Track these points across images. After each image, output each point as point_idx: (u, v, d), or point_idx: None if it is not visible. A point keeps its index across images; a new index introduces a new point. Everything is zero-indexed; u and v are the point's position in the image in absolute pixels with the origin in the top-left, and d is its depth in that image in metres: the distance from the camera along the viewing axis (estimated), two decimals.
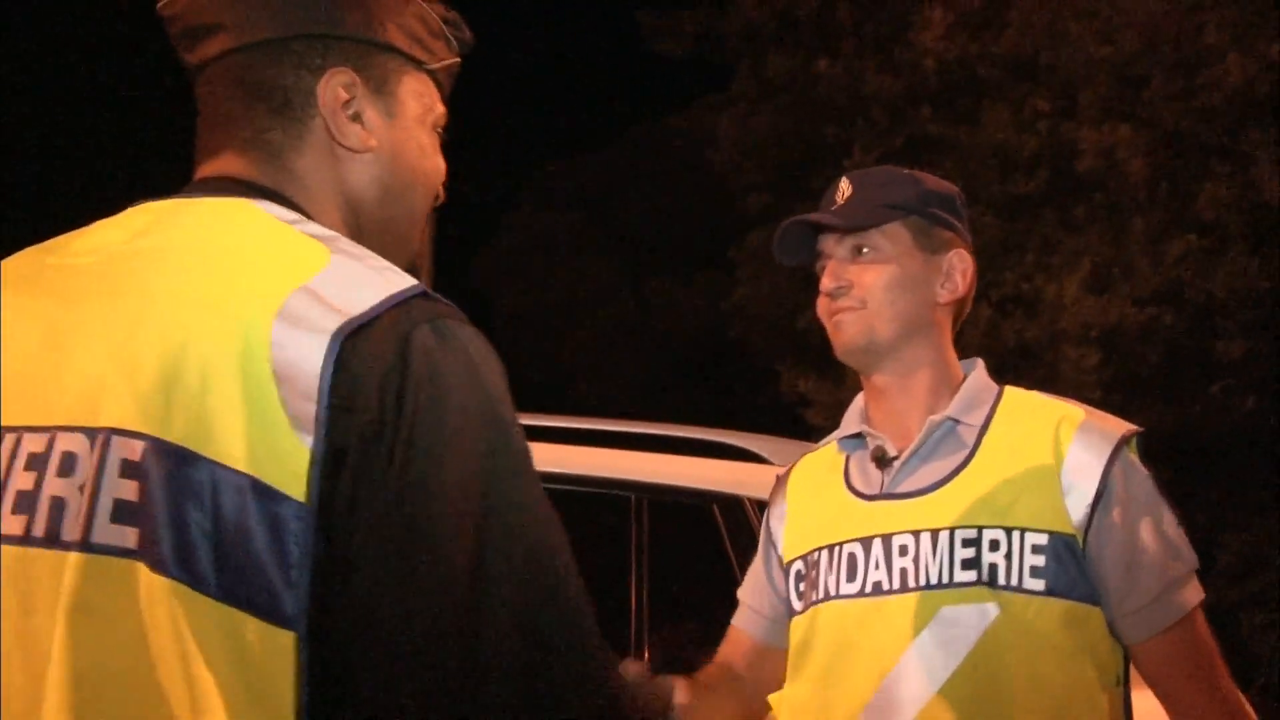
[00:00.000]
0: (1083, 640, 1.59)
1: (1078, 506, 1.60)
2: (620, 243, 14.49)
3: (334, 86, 1.10)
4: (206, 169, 1.12)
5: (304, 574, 0.89)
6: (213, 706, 0.89)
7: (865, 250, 1.71)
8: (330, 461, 0.90)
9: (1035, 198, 8.68)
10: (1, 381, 1.00)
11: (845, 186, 1.76)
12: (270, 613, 0.89)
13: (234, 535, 0.90)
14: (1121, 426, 1.66)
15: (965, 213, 1.80)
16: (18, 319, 1.03)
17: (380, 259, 1.01)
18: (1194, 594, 1.63)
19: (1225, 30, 7.99)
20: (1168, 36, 8.30)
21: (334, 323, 0.92)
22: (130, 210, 1.10)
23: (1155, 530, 1.61)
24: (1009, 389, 1.76)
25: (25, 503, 0.95)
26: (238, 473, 0.90)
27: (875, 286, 1.70)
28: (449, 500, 0.92)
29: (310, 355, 0.91)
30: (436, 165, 1.19)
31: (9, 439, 0.98)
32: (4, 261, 1.10)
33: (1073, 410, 1.68)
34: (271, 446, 0.90)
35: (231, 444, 0.91)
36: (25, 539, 0.94)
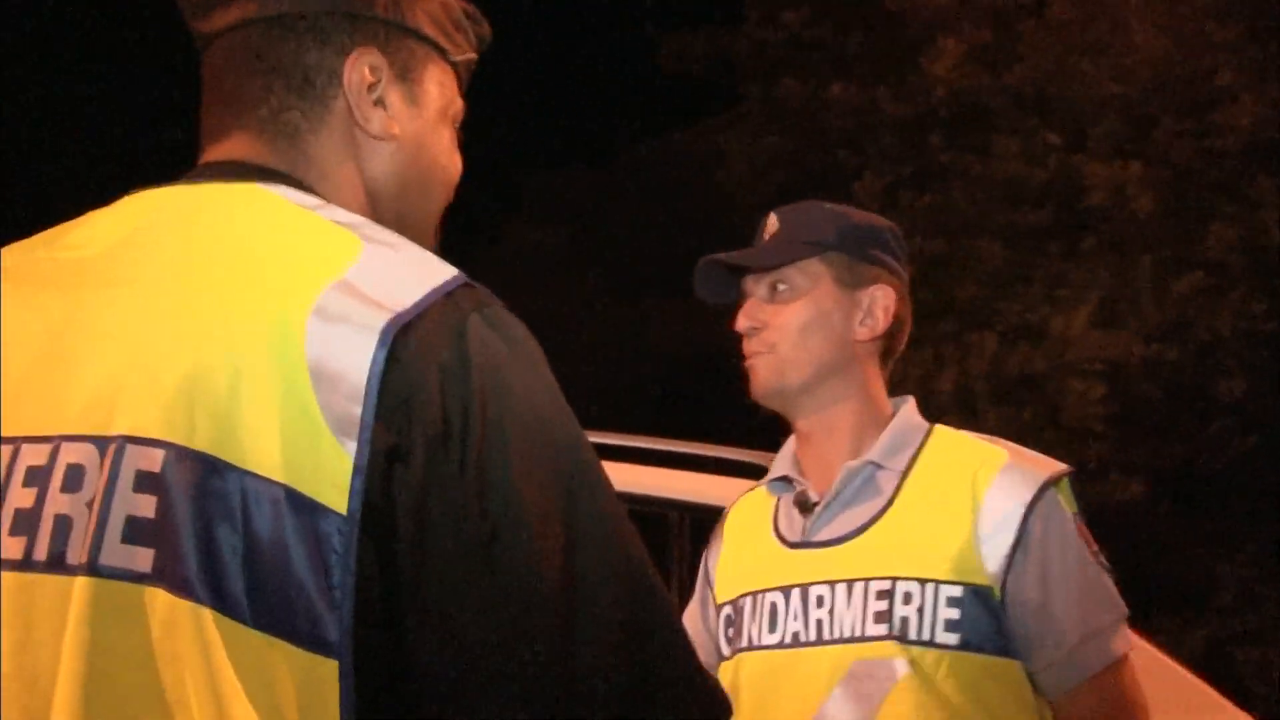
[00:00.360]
0: (1002, 695, 1.56)
1: (994, 555, 1.56)
2: (619, 259, 14.50)
3: (360, 67, 1.03)
4: (214, 152, 1.04)
5: (347, 594, 0.81)
6: None
7: (781, 288, 1.68)
8: (378, 468, 0.83)
9: (1043, 230, 8.73)
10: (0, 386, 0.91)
11: (772, 223, 1.73)
12: (311, 640, 0.81)
13: (269, 553, 0.82)
14: (1047, 469, 1.62)
15: (899, 247, 1.76)
16: (15, 316, 0.94)
17: (413, 244, 0.95)
18: (1119, 644, 1.58)
19: (1238, 73, 8.07)
20: (1180, 76, 8.38)
21: (380, 319, 0.85)
22: (127, 199, 1.02)
23: (1076, 578, 1.57)
24: (939, 429, 1.71)
25: (25, 523, 0.86)
26: (272, 483, 0.82)
27: (787, 327, 1.67)
28: (533, 500, 0.85)
29: (355, 355, 0.84)
30: (456, 161, 1.13)
31: (4, 451, 0.89)
32: None
33: (997, 453, 1.64)
34: (309, 454, 0.83)
35: (264, 452, 0.83)
36: (25, 563, 0.85)
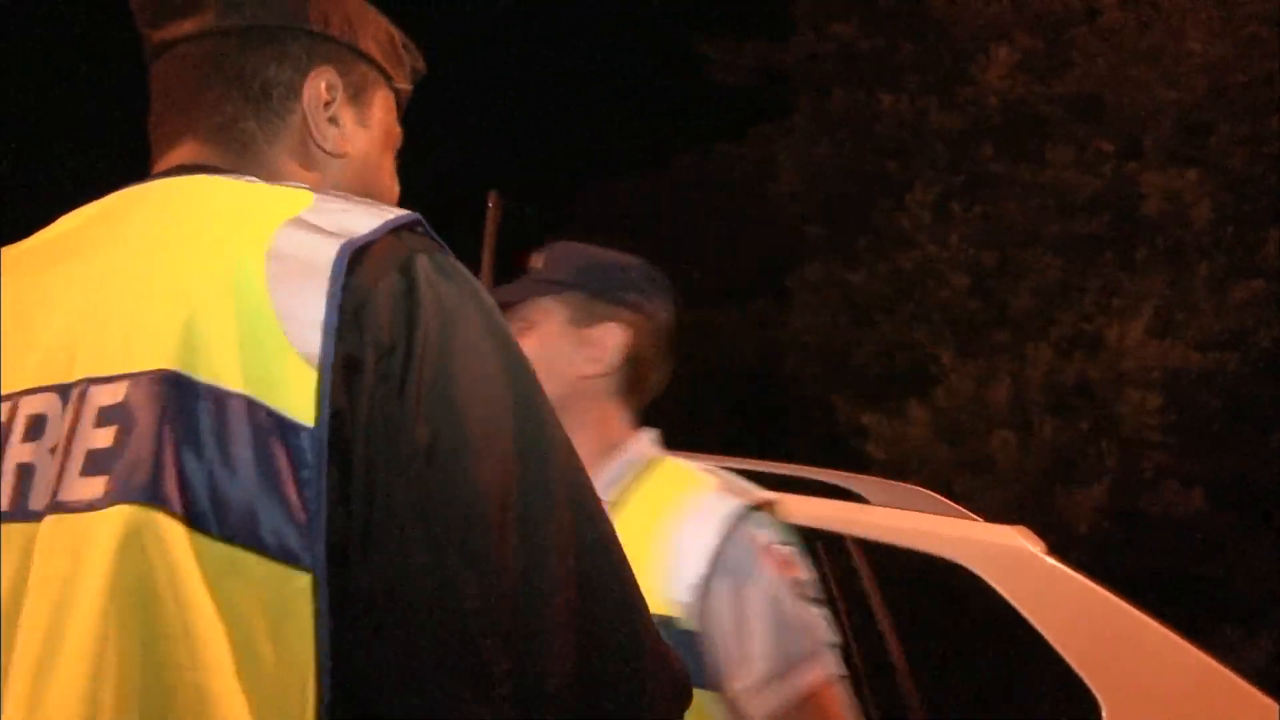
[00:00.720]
0: None
1: (687, 585, 1.54)
2: (672, 267, 14.50)
3: (318, 84, 1.06)
4: (167, 159, 1.05)
5: (318, 504, 0.80)
6: (218, 663, 0.79)
7: (519, 325, 1.72)
8: (339, 379, 0.83)
9: (1097, 239, 8.67)
10: None
11: (536, 261, 1.79)
12: (280, 550, 0.80)
13: (233, 463, 0.81)
14: (746, 498, 1.61)
15: (650, 286, 1.79)
16: None
17: (368, 200, 0.97)
18: (817, 672, 1.56)
19: None
20: (1236, 82, 8.29)
21: (335, 243, 0.87)
22: (87, 205, 1.03)
23: (770, 606, 1.55)
24: (665, 462, 1.71)
25: None
26: (234, 394, 0.82)
27: None
28: (477, 417, 0.85)
29: (314, 276, 0.85)
30: (395, 188, 1.15)
31: None
32: None
33: (703, 481, 1.64)
34: (271, 366, 0.83)
35: (225, 365, 0.83)
36: None
